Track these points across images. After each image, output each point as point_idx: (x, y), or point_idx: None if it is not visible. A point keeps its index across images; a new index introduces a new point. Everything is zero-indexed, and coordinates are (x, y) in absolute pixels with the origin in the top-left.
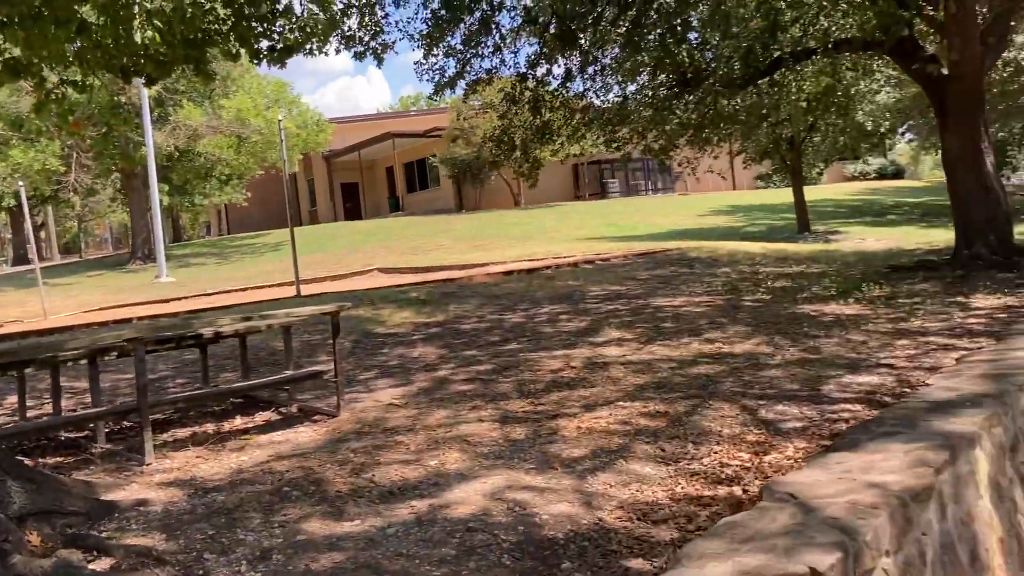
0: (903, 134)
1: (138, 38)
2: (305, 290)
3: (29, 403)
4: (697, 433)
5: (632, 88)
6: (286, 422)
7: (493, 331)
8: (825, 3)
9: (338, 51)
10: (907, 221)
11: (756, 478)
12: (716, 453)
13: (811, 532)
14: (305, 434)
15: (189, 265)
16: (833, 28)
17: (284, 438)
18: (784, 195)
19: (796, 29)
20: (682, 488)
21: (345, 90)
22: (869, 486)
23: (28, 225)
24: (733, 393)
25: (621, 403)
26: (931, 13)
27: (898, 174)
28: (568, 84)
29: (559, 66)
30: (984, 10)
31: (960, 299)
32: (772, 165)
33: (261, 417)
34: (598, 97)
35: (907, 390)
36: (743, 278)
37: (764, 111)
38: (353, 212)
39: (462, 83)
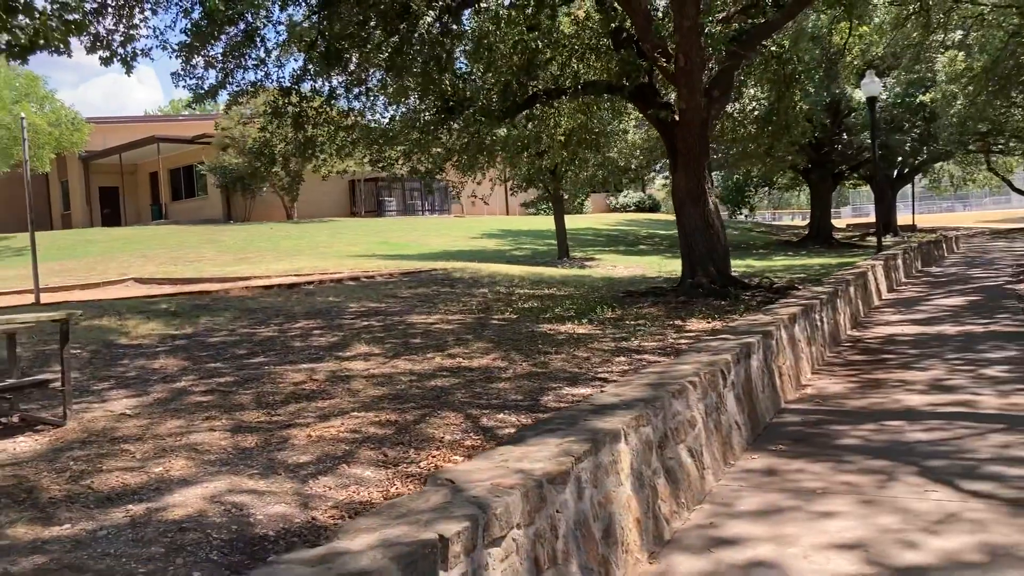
0: (657, 171)
1: None
2: (48, 298)
3: None
4: (420, 440)
5: (402, 110)
6: (5, 431)
7: (241, 344)
8: (577, 47)
9: (88, 53)
10: (655, 251)
11: None
12: (434, 457)
13: (453, 508)
14: (25, 444)
15: None
16: (583, 70)
17: (1, 448)
18: (552, 222)
19: (554, 67)
20: (396, 488)
21: (113, 87)
22: (516, 472)
23: None
24: (462, 403)
25: (355, 413)
26: (664, 65)
27: (654, 207)
28: (333, 101)
29: (325, 83)
30: (711, 65)
31: (678, 322)
32: (536, 193)
33: None
34: (363, 117)
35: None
36: (498, 298)
37: (524, 142)
38: (112, 218)
39: (224, 93)
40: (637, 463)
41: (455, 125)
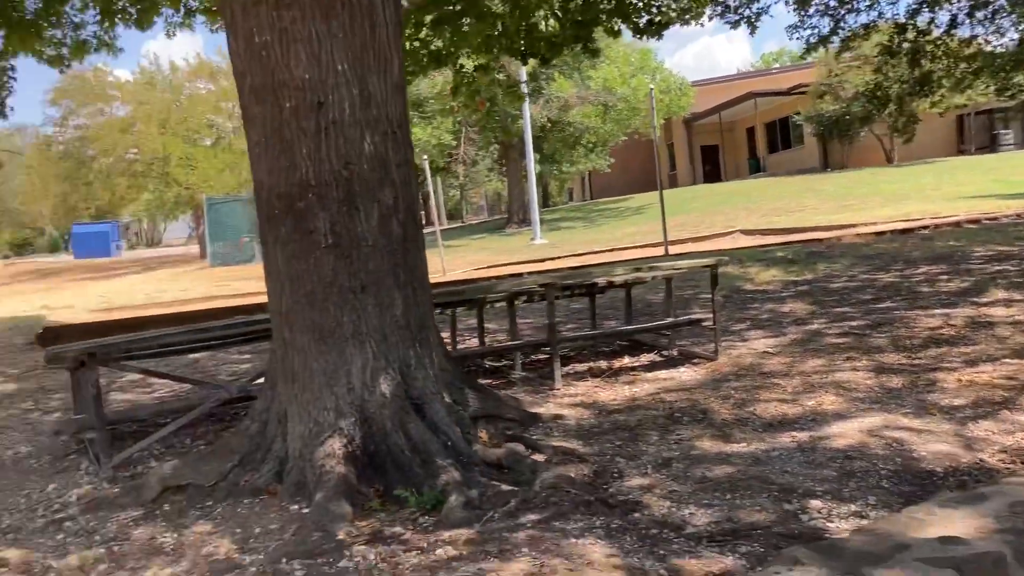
0: None
1: (541, 26)
2: (671, 251)
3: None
4: None
5: None
6: (669, 363)
7: (865, 290)
8: None
9: (710, 18)
10: None
11: None
12: None
13: None
14: (687, 374)
15: (559, 228)
16: None
17: (668, 376)
18: None
19: None
20: None
21: (703, 51)
22: None
23: (430, 195)
24: None
25: (1008, 360)
26: None
27: None
28: (953, 31)
29: (944, 12)
30: None
31: None
32: None
33: (646, 358)
34: (989, 43)
35: None
36: None
37: None
38: (712, 175)
39: (836, 40)
40: None
41: None
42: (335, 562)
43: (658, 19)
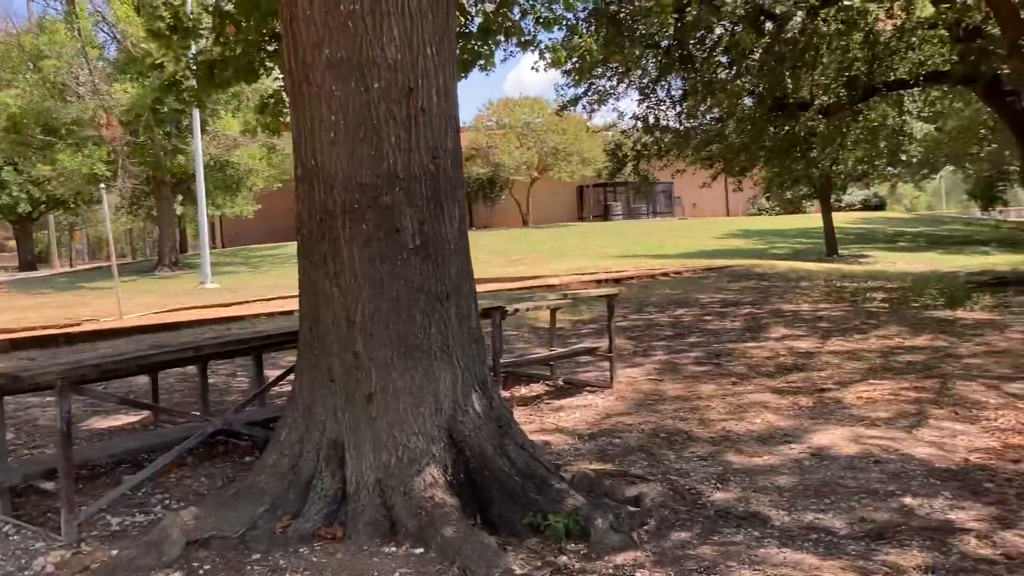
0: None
1: None
2: None
3: None
4: (969, 403)
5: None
6: (564, 392)
7: (660, 328)
8: (914, 39)
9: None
10: (922, 248)
11: None
12: (1002, 414)
13: None
14: (602, 401)
15: (222, 273)
16: (927, 60)
17: (586, 403)
18: (782, 222)
19: (896, 60)
20: (1010, 439)
21: None
22: None
23: (108, 229)
24: (960, 375)
25: (872, 381)
26: None
27: (880, 206)
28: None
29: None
30: None
31: None
32: (796, 192)
33: (538, 388)
34: (692, 119)
35: None
36: (833, 291)
37: (841, 136)
38: None
39: (584, 101)
40: None
41: (780, 124)
42: None
43: None
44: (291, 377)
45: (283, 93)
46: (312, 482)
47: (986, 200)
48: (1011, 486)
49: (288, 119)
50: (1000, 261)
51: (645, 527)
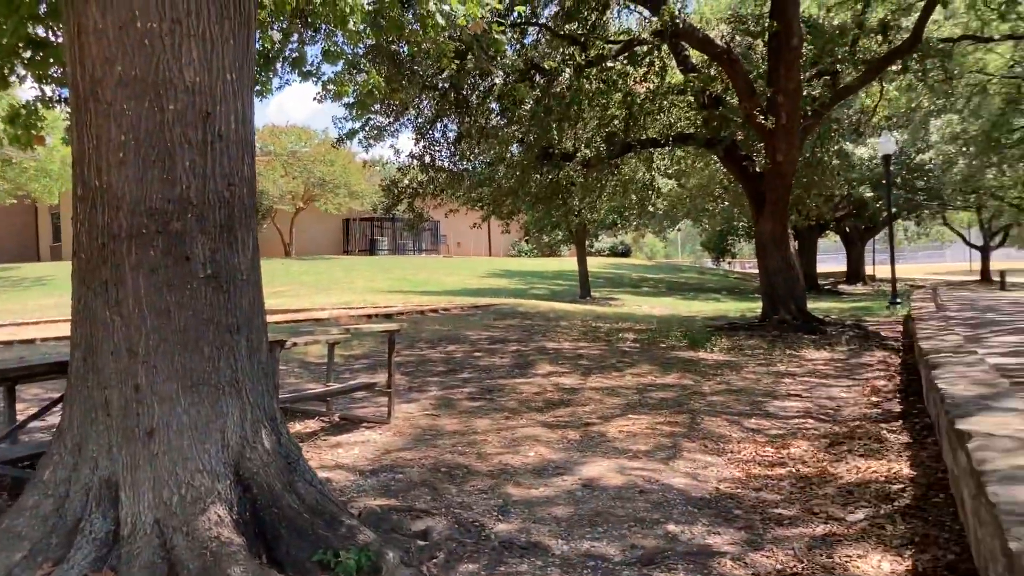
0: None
1: None
2: None
3: None
4: (717, 437)
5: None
6: (340, 428)
7: (433, 364)
8: (665, 103)
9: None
10: (662, 293)
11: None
12: (743, 447)
13: None
14: (381, 437)
15: None
16: (678, 124)
17: (364, 439)
18: (540, 264)
19: (649, 121)
20: (751, 469)
21: None
22: None
23: None
24: (707, 411)
25: (632, 416)
26: (762, 122)
27: (626, 252)
28: (458, 145)
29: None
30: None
31: (791, 352)
32: (554, 236)
33: (313, 424)
34: (466, 161)
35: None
36: (590, 330)
37: (599, 187)
38: None
39: (361, 135)
40: None
41: (546, 172)
42: None
43: None
44: (52, 413)
45: (38, 104)
46: (80, 525)
47: (717, 252)
48: (755, 512)
49: (43, 132)
50: (730, 307)
51: (434, 560)
